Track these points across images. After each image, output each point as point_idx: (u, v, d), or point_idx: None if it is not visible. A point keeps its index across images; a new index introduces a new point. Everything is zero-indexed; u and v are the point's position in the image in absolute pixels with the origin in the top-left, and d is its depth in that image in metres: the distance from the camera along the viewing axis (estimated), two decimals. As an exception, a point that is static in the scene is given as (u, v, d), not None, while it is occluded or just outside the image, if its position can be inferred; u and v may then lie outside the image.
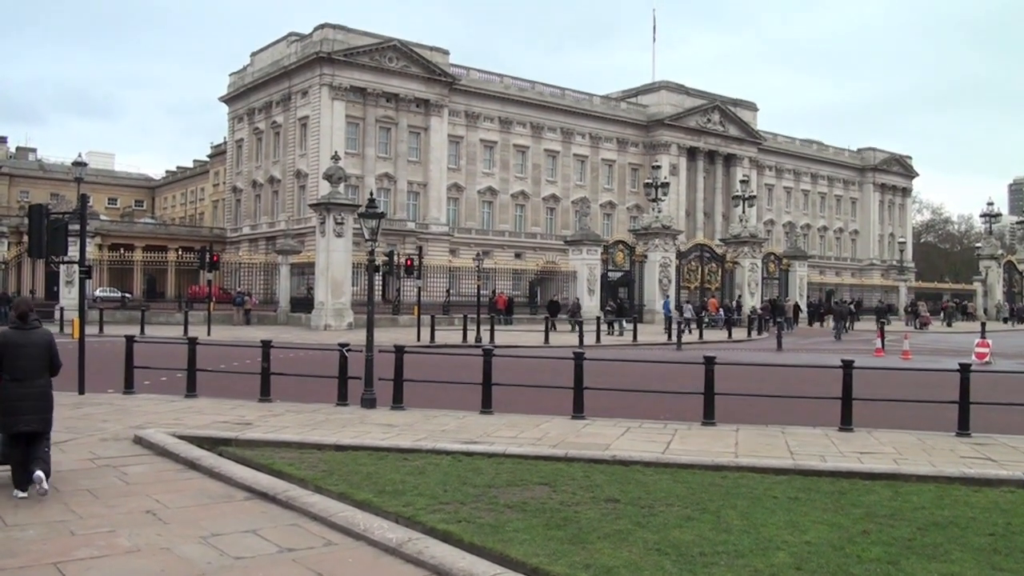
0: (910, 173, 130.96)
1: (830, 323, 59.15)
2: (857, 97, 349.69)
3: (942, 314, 63.66)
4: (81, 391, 16.04)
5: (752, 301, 54.91)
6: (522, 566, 6.70)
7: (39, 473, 8.76)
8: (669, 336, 36.87)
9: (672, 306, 49.34)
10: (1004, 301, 76.35)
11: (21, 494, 8.83)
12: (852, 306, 55.89)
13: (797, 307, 56.74)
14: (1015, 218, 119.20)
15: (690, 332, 40.71)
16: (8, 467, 9.14)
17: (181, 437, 11.64)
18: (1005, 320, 69.77)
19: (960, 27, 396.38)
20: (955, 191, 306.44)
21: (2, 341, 9.13)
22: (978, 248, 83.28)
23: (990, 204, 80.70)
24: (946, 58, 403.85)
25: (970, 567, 6.82)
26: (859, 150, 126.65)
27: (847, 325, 47.17)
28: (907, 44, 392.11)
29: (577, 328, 38.62)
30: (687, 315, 44.82)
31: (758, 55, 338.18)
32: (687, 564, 6.74)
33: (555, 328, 38.71)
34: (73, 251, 22.06)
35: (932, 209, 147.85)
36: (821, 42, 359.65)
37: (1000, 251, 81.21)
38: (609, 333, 40.16)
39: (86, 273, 17.63)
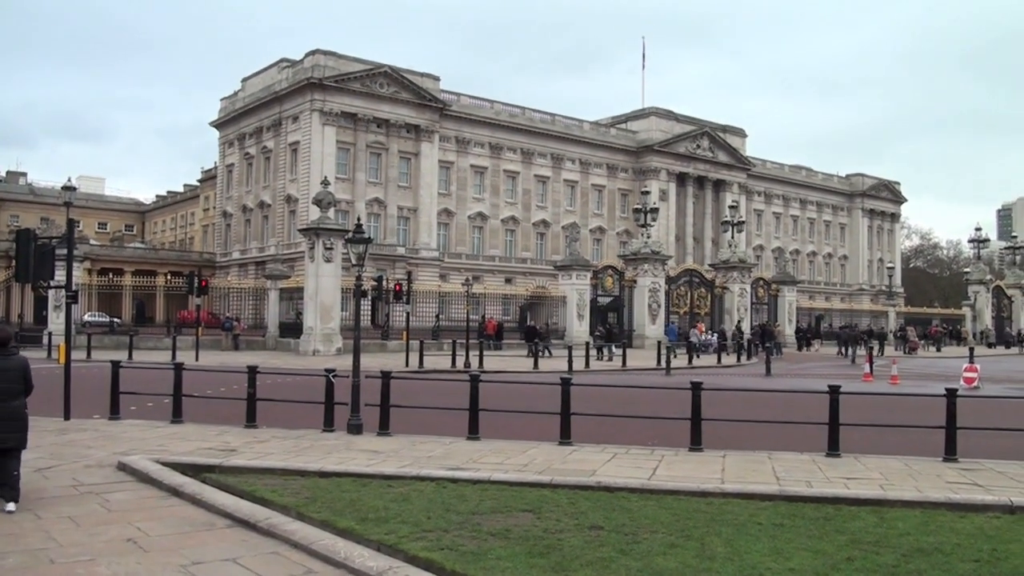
0: (899, 199, 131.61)
1: (817, 347, 59.49)
2: (846, 123, 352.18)
3: (923, 341, 63.54)
4: (67, 417, 15.96)
5: (742, 326, 54.98)
6: (503, 594, 6.66)
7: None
8: (659, 361, 36.85)
9: (677, 331, 49.43)
10: (991, 327, 76.56)
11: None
12: (859, 330, 55.78)
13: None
14: (1003, 243, 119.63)
15: (698, 357, 40.87)
16: None
17: (165, 464, 11.56)
18: (990, 345, 69.78)
19: (948, 54, 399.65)
20: (943, 216, 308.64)
21: None
22: (967, 273, 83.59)
23: (978, 230, 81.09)
24: (935, 85, 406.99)
25: (954, 594, 6.80)
26: (848, 176, 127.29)
27: (857, 350, 46.45)
28: (895, 71, 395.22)
29: (545, 353, 38.54)
30: (693, 339, 44.98)
31: (747, 81, 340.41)
32: (670, 592, 6.71)
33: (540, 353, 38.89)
34: (60, 276, 22.01)
35: (921, 234, 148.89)
36: (810, 69, 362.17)
37: (989, 276, 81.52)
38: (599, 358, 40.10)
39: (73, 298, 17.57)
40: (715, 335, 49.70)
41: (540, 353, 37.87)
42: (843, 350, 50.49)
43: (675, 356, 37.70)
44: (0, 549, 7.93)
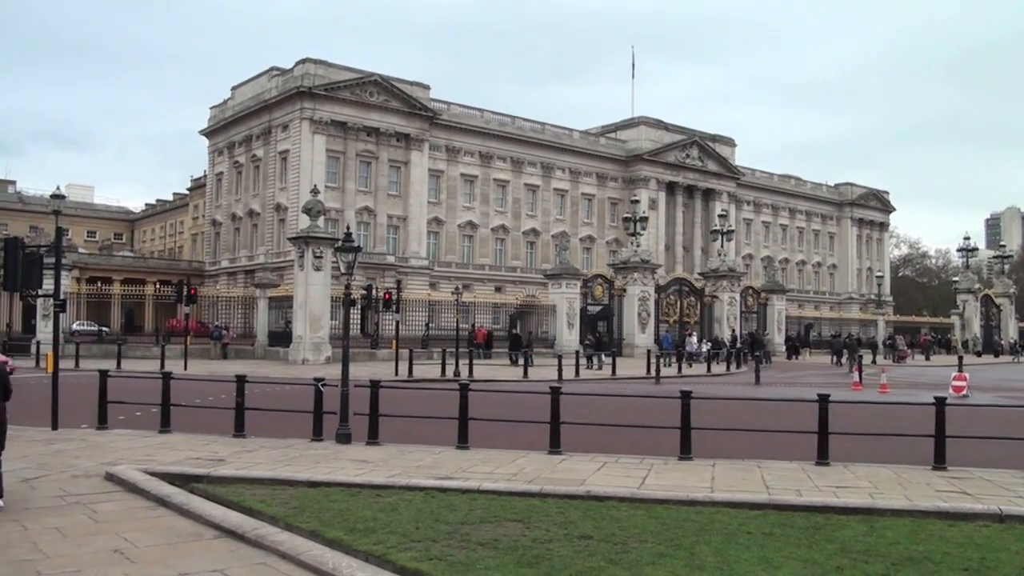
0: (887, 208, 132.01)
1: (806, 356, 59.55)
2: (835, 132, 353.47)
3: (912, 350, 63.50)
4: (55, 427, 15.87)
5: (736, 334, 54.96)
6: (492, 605, 6.63)
7: None
8: (648, 370, 36.85)
9: (671, 340, 49.51)
10: (979, 335, 76.81)
11: None
12: (856, 339, 55.06)
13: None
14: (992, 252, 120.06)
15: (689, 366, 40.92)
16: None
17: (152, 474, 11.50)
18: (978, 354, 69.98)
19: (937, 64, 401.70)
20: (932, 226, 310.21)
21: None
22: (955, 282, 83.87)
23: (967, 239, 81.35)
24: (923, 94, 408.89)
25: (943, 603, 6.79)
26: (836, 185, 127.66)
27: (852, 358, 46.11)
28: (885, 81, 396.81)
29: (529, 362, 38.46)
30: (690, 349, 44.98)
31: (737, 91, 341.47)
32: (659, 602, 6.68)
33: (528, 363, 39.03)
34: (49, 284, 21.91)
35: (909, 243, 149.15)
36: (799, 78, 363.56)
37: (977, 285, 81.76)
38: (588, 367, 40.06)
39: (61, 307, 17.52)
40: (708, 344, 49.65)
41: (528, 363, 37.90)
42: (836, 359, 50.36)
43: (668, 364, 37.71)
44: (-13, 560, 7.88)
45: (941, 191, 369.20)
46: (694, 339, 49.57)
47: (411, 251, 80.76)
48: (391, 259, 78.22)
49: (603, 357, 41.43)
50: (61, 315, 17.84)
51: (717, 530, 9.01)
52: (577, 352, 39.44)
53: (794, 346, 60.58)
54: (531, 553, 7.95)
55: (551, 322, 51.01)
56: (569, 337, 48.68)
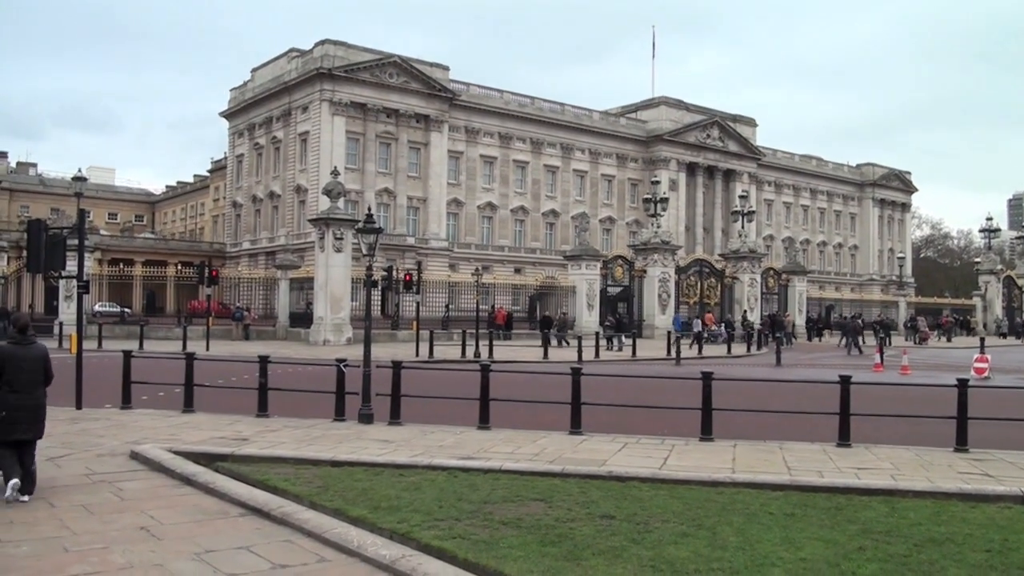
0: (909, 188, 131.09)
1: (828, 338, 59.19)
2: (856, 113, 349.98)
3: (934, 331, 62.97)
4: (79, 406, 16.02)
5: (752, 316, 54.76)
6: (516, 583, 6.68)
7: (15, 481, 9.27)
8: (669, 351, 36.82)
9: (681, 322, 49.33)
10: (1003, 316, 76.23)
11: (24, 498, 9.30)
12: (861, 320, 53.92)
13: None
14: (1014, 233, 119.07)
15: (703, 347, 40.87)
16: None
17: (177, 453, 11.62)
18: (1003, 335, 69.50)
19: (959, 44, 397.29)
20: (954, 206, 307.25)
21: (4, 355, 9.64)
22: (977, 263, 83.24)
23: (989, 219, 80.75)
24: (945, 74, 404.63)
25: (966, 584, 6.80)
26: (858, 165, 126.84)
27: (861, 341, 45.63)
28: (907, 60, 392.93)
29: (563, 343, 38.26)
30: (697, 329, 44.78)
31: (758, 71, 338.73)
32: (681, 581, 6.71)
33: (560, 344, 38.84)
34: (72, 266, 22.09)
35: (931, 224, 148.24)
36: (821, 59, 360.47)
37: (999, 266, 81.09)
38: (608, 348, 40.05)
39: (84, 288, 17.66)
40: (722, 325, 49.47)
41: (560, 343, 37.61)
42: (844, 341, 48.89)
43: (691, 347, 37.60)
44: (15, 537, 7.99)
45: (964, 171, 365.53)
46: (699, 322, 48.69)
47: (431, 232, 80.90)
48: (411, 240, 78.40)
49: (623, 338, 41.39)
50: (84, 296, 17.98)
51: (739, 510, 9.03)
52: (597, 334, 39.42)
53: (816, 328, 60.27)
54: (554, 532, 8.00)
55: (571, 304, 50.93)
56: (589, 319, 48.64)
